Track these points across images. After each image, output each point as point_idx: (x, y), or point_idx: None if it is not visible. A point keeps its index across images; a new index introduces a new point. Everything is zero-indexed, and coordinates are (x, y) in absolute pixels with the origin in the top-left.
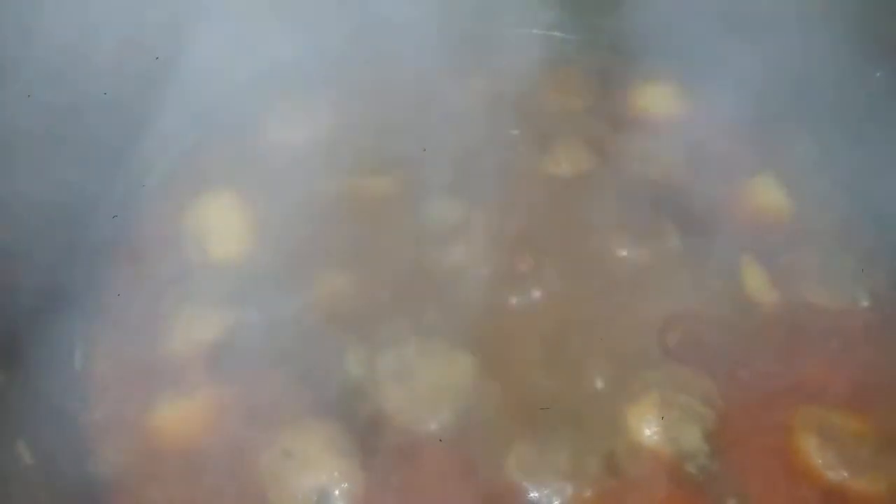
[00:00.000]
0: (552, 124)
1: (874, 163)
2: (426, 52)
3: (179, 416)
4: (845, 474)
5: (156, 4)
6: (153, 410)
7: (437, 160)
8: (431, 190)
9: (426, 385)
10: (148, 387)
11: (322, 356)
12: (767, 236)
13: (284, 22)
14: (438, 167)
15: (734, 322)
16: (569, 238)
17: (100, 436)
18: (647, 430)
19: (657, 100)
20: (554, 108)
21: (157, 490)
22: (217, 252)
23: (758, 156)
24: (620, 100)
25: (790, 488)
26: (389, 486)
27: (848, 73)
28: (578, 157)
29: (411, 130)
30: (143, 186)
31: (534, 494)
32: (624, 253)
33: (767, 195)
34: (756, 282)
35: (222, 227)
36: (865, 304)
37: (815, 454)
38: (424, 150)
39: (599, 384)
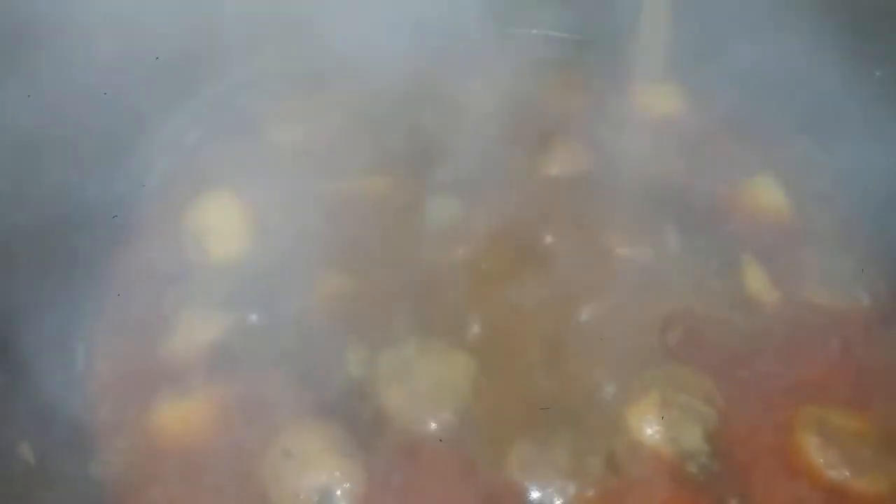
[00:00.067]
0: (552, 124)
1: (874, 163)
2: (426, 52)
3: (180, 416)
4: (846, 474)
5: (156, 4)
6: (154, 411)
7: (437, 160)
8: (431, 190)
9: (426, 385)
10: (149, 387)
11: (322, 356)
12: (767, 236)
13: (283, 22)
14: (438, 167)
15: (735, 322)
16: (569, 238)
17: (101, 436)
18: (648, 429)
19: (657, 100)
20: (554, 108)
21: (158, 490)
22: (217, 252)
23: (757, 155)
24: (620, 100)
25: (791, 488)
26: (390, 485)
27: (847, 72)
28: (578, 156)
29: (411, 130)
30: (143, 186)
31: (535, 494)
32: (624, 252)
33: (767, 195)
34: (756, 281)
35: (222, 226)
36: (866, 303)
37: (816, 453)
38: (424, 150)
39: (600, 384)
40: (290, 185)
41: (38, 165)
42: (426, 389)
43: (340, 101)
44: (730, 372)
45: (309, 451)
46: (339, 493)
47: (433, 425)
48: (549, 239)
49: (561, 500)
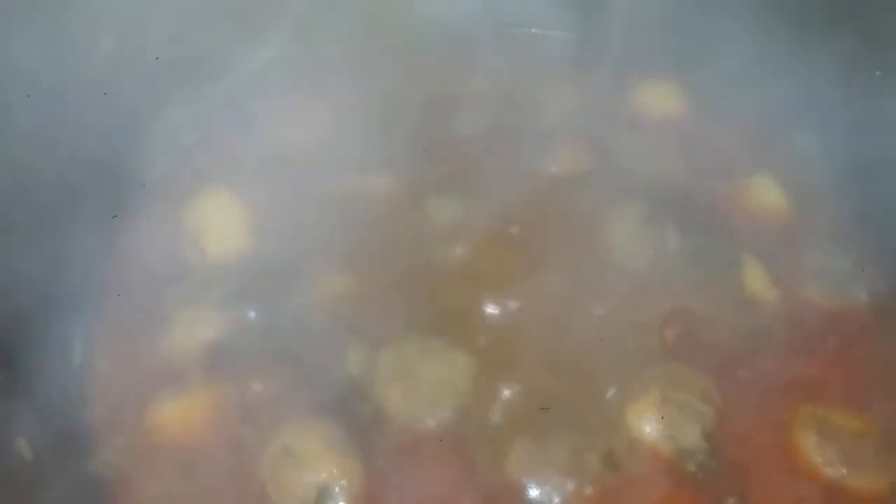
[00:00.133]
0: (552, 124)
1: (873, 162)
2: (426, 52)
3: (179, 414)
4: (845, 472)
5: (156, 4)
6: (153, 409)
7: (437, 159)
8: (431, 189)
9: (426, 384)
10: (147, 385)
11: (322, 355)
12: (767, 235)
13: (283, 22)
14: (438, 166)
15: (734, 321)
16: (568, 237)
17: (99, 434)
18: (647, 428)
19: (657, 99)
20: (554, 107)
21: (156, 488)
22: (216, 251)
23: (757, 154)
24: (620, 99)
25: (790, 486)
26: (389, 484)
27: (847, 71)
28: (578, 156)
29: (411, 130)
30: (143, 186)
31: (534, 492)
32: (624, 251)
33: (767, 194)
34: (756, 280)
35: (222, 226)
36: (864, 302)
37: (815, 452)
38: (424, 149)
39: (599, 383)
40: (290, 184)
41: (37, 165)
42: (426, 388)
43: (339, 99)
44: (729, 371)
45: (308, 449)
46: (337, 490)
47: (432, 424)
48: (548, 238)
49: (559, 498)
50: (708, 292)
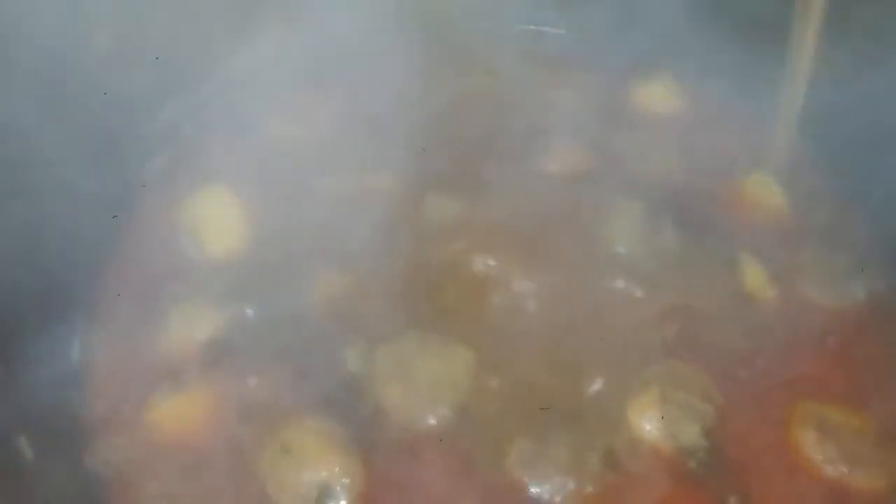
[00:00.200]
0: (552, 123)
1: (871, 161)
2: (426, 51)
3: (178, 412)
4: (844, 469)
5: (155, 3)
6: (152, 407)
7: (436, 158)
8: (430, 187)
9: (425, 381)
10: (147, 383)
11: (320, 352)
12: (766, 234)
13: (284, 18)
14: (437, 165)
15: (733, 319)
16: (568, 236)
17: (98, 432)
18: (647, 426)
19: (656, 98)
20: (553, 105)
21: (155, 486)
22: (215, 249)
23: (756, 154)
24: (619, 98)
25: (790, 484)
26: (390, 481)
27: (846, 71)
28: (577, 155)
29: (410, 128)
30: (143, 186)
31: (534, 490)
32: (623, 250)
33: (766, 193)
34: (754, 279)
35: (221, 224)
36: (863, 300)
37: (815, 450)
38: (424, 149)
39: (599, 381)
40: (288, 181)
41: (37, 165)
42: (425, 386)
43: (339, 97)
44: (728, 369)
45: (307, 447)
46: (338, 488)
47: (432, 421)
48: (548, 237)
49: (560, 497)
50: (707, 291)
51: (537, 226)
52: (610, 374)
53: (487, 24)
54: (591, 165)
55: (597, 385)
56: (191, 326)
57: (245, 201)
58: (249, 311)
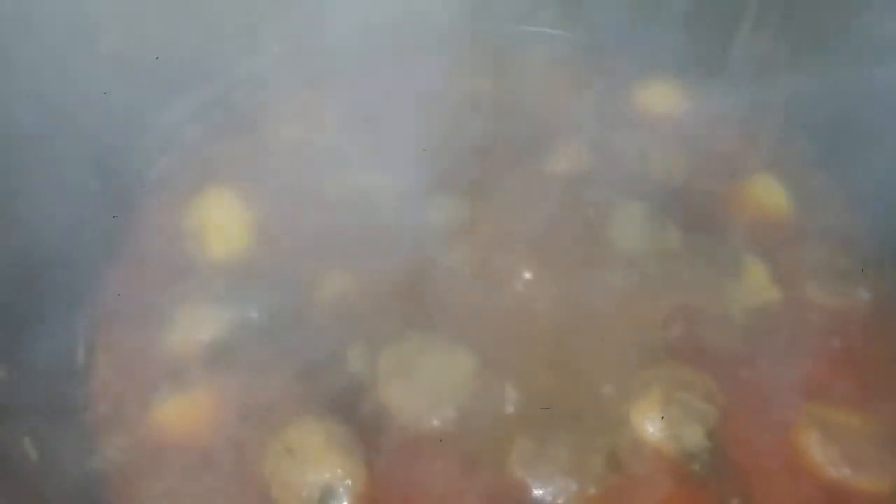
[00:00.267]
0: (553, 123)
1: (874, 161)
2: (426, 51)
3: (181, 413)
4: (848, 471)
5: (156, 4)
6: (155, 407)
7: (439, 159)
8: (432, 188)
9: (428, 382)
10: (150, 384)
11: (323, 353)
12: (769, 235)
13: (285, 20)
14: (440, 166)
15: (736, 320)
16: (569, 237)
17: (102, 432)
18: (650, 427)
19: (658, 98)
20: (555, 107)
21: (159, 487)
22: (218, 249)
23: (758, 154)
24: (621, 98)
25: (793, 485)
26: (392, 482)
27: (846, 71)
28: (580, 156)
29: (413, 130)
30: (143, 186)
31: (537, 492)
32: (625, 251)
33: (768, 194)
34: (757, 280)
35: (223, 225)
36: (866, 301)
37: (818, 451)
38: (426, 150)
39: (601, 382)
40: (291, 182)
41: (38, 165)
42: (427, 387)
43: (341, 99)
44: (731, 370)
45: (310, 448)
46: (341, 489)
47: (434, 423)
48: (549, 238)
49: (563, 498)
50: (710, 292)
51: (540, 226)
52: (612, 375)
53: (489, 26)
54: (593, 166)
55: (599, 387)
56: (193, 327)
57: (247, 202)
58: (252, 312)
